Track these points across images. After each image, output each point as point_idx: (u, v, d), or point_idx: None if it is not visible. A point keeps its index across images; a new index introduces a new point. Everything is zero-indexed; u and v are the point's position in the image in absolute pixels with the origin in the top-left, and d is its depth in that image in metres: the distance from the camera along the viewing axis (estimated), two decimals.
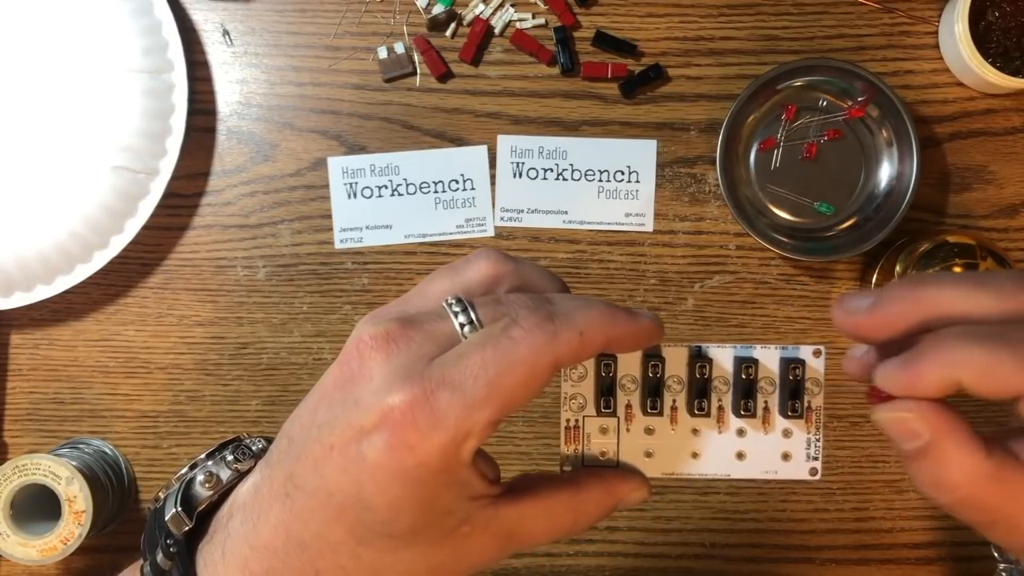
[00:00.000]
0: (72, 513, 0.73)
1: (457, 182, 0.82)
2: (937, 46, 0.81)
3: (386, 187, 0.82)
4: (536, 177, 0.81)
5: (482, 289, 0.44)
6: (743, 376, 0.48)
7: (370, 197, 0.82)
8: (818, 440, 0.50)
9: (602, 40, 0.81)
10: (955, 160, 0.82)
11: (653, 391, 0.49)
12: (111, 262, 0.79)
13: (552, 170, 0.81)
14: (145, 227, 0.79)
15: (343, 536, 0.42)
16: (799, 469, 0.49)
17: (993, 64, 0.77)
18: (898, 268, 0.77)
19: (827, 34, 0.82)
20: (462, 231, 0.82)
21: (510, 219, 0.82)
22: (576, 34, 0.82)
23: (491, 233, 0.82)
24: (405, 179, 0.82)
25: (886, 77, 0.80)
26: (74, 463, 0.74)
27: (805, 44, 0.82)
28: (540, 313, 0.41)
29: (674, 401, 0.49)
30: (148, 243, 0.81)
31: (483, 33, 0.81)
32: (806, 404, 0.49)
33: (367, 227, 0.82)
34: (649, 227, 0.82)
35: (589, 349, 0.41)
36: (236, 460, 0.47)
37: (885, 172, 0.80)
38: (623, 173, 0.81)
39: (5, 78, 0.79)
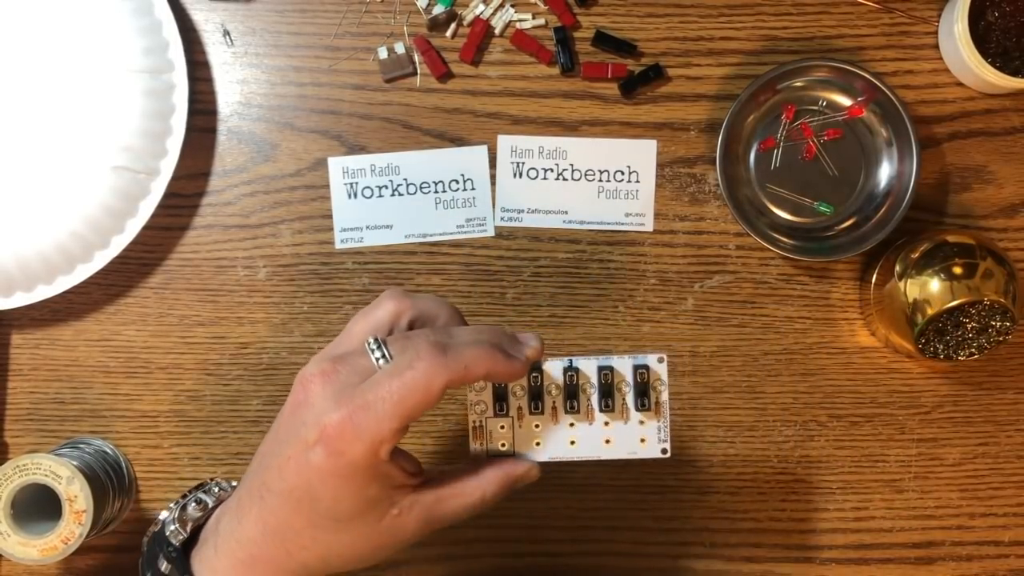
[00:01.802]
0: (73, 513, 0.73)
1: (457, 182, 0.82)
2: (937, 46, 0.82)
3: (386, 187, 0.82)
4: (536, 177, 0.82)
5: (389, 322, 0.59)
6: (603, 380, 0.62)
7: (370, 197, 0.82)
8: (665, 427, 0.62)
9: (602, 40, 0.81)
10: (955, 160, 0.82)
11: (536, 395, 0.62)
12: (112, 262, 0.79)
13: (552, 170, 0.81)
14: (146, 227, 0.79)
15: (303, 523, 0.56)
16: (653, 450, 0.62)
17: (993, 64, 0.77)
18: (897, 268, 0.77)
19: (827, 34, 0.82)
20: (462, 231, 0.82)
21: (510, 219, 0.82)
22: (576, 34, 0.82)
23: (491, 233, 0.82)
24: (405, 179, 0.82)
25: (886, 77, 0.80)
26: (75, 463, 0.74)
27: (805, 44, 0.82)
28: (436, 348, 0.54)
29: (554, 403, 0.62)
30: (149, 243, 0.81)
31: (483, 33, 0.81)
32: (654, 400, 0.62)
33: (367, 227, 0.82)
34: (649, 227, 0.82)
35: (472, 378, 0.56)
36: (221, 491, 0.62)
37: (885, 172, 0.80)
38: (623, 173, 0.82)
39: (6, 78, 0.79)
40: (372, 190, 0.82)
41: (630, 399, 0.62)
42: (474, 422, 0.62)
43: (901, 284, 0.76)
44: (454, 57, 0.82)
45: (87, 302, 0.82)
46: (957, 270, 0.75)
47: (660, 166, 0.82)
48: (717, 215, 0.82)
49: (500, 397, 0.62)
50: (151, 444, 0.82)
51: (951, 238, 0.77)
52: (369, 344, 0.56)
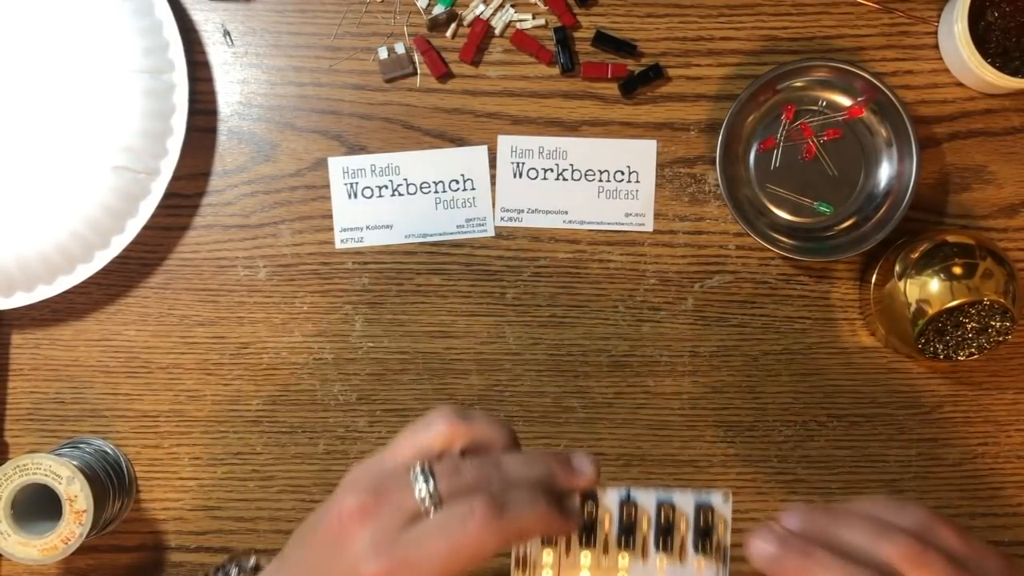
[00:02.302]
0: (73, 513, 0.73)
1: (457, 182, 0.82)
2: (937, 46, 0.82)
3: (386, 187, 0.82)
4: (536, 177, 0.82)
5: (440, 448, 0.54)
6: (662, 518, 0.58)
7: (371, 197, 0.82)
8: (725, 573, 0.58)
9: (602, 40, 0.81)
10: (954, 160, 0.82)
11: (588, 527, 0.58)
12: (112, 262, 0.79)
13: (552, 170, 0.81)
14: (146, 227, 0.79)
15: None
16: None
17: (992, 64, 0.77)
18: (897, 268, 0.77)
19: (827, 34, 0.82)
20: (462, 231, 0.82)
21: (510, 219, 0.82)
22: (576, 34, 0.82)
23: (491, 233, 0.82)
24: (405, 179, 0.82)
25: (886, 77, 0.80)
26: (75, 463, 0.75)
27: (805, 44, 0.82)
28: (492, 510, 0.50)
29: (606, 536, 0.58)
30: (149, 243, 0.81)
31: (483, 33, 0.81)
32: (714, 543, 0.58)
33: (368, 227, 0.82)
34: (649, 227, 0.82)
35: (525, 540, 0.54)
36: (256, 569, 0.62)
37: (885, 172, 0.80)
38: (623, 173, 0.82)
39: (6, 79, 0.79)
40: (372, 190, 0.82)
41: (689, 539, 0.58)
42: (519, 552, 0.57)
43: (901, 284, 0.76)
44: (454, 57, 0.82)
45: (87, 302, 0.82)
46: (957, 270, 0.75)
47: (660, 166, 0.82)
48: (717, 215, 0.82)
49: None
50: (151, 444, 0.82)
51: (951, 238, 0.77)
52: (415, 474, 0.52)
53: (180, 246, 0.82)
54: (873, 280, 0.80)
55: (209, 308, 0.82)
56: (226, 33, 0.82)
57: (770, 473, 0.82)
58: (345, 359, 0.82)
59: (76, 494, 0.73)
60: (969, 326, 0.75)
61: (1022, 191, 0.82)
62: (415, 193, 0.82)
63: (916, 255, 0.76)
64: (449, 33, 0.82)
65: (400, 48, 0.81)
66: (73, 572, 0.82)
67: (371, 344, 0.82)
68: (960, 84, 0.81)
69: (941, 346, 0.76)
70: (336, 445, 0.82)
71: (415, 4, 0.82)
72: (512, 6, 0.81)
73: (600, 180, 0.82)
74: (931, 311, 0.74)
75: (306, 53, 0.82)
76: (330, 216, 0.82)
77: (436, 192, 0.82)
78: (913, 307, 0.75)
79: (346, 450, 0.82)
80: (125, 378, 0.82)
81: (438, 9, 0.81)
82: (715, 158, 0.79)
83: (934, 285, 0.75)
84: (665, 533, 0.58)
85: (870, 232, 0.79)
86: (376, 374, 0.82)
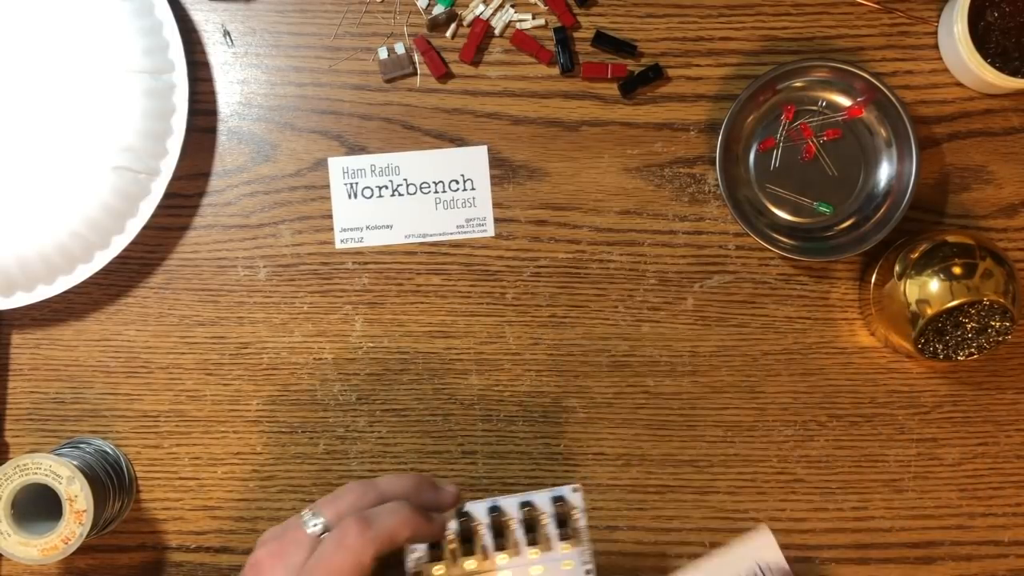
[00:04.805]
0: (73, 512, 0.73)
1: (457, 182, 0.82)
2: (936, 46, 0.82)
3: (386, 187, 0.82)
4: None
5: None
6: (526, 516, 0.66)
7: (370, 197, 0.82)
8: (589, 551, 0.66)
9: (602, 40, 0.81)
10: (954, 160, 0.82)
11: (467, 538, 0.65)
12: (112, 262, 0.79)
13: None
14: (146, 227, 0.79)
15: None
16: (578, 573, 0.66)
17: (992, 64, 0.77)
18: (897, 268, 0.77)
19: (827, 34, 0.82)
20: (462, 231, 0.82)
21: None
22: (576, 34, 0.82)
23: (491, 233, 0.82)
24: (405, 179, 0.82)
25: (885, 77, 0.80)
26: (75, 463, 0.75)
27: (805, 44, 0.82)
28: (360, 524, 0.61)
29: (483, 543, 0.66)
30: (149, 243, 0.81)
31: (483, 33, 0.81)
32: (571, 528, 0.66)
33: (367, 227, 0.82)
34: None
35: (398, 544, 0.62)
36: None
37: (884, 172, 0.80)
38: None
39: (6, 79, 0.79)
40: (372, 190, 0.82)
41: (552, 530, 0.66)
42: (411, 571, 0.65)
43: (901, 284, 0.76)
44: (454, 57, 0.82)
45: (87, 302, 0.82)
46: (956, 270, 0.75)
47: (660, 166, 0.82)
48: (717, 215, 0.82)
49: (435, 544, 0.65)
50: (151, 444, 0.82)
51: (950, 238, 0.77)
52: (305, 515, 0.63)
53: (180, 246, 0.82)
54: (873, 280, 0.80)
55: (209, 308, 0.82)
56: (226, 33, 0.82)
57: (770, 473, 0.82)
58: (345, 359, 0.82)
59: (76, 494, 0.73)
60: (969, 326, 0.75)
61: (1022, 191, 0.82)
62: (415, 193, 0.82)
63: (916, 255, 0.76)
64: (449, 33, 0.82)
65: (400, 48, 0.81)
66: (73, 572, 0.82)
67: (371, 344, 0.82)
68: (960, 84, 0.81)
69: (941, 346, 0.76)
70: (336, 445, 0.82)
71: (415, 4, 0.82)
72: (512, 6, 0.81)
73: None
74: (931, 311, 0.74)
75: (306, 53, 0.82)
76: (330, 216, 0.82)
77: (436, 192, 0.82)
78: (913, 307, 0.75)
79: (346, 450, 0.82)
80: (125, 378, 0.82)
81: (438, 9, 0.81)
82: (715, 158, 0.79)
83: (934, 285, 0.75)
84: (530, 529, 0.66)
85: (870, 232, 0.79)
86: (376, 374, 0.82)
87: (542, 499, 0.66)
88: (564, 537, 0.66)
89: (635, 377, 0.82)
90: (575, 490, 0.66)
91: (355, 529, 0.61)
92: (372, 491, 0.64)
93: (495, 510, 0.66)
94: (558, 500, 0.66)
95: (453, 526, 0.65)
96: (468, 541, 0.65)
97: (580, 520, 0.66)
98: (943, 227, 0.82)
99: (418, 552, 0.65)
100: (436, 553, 0.65)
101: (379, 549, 0.61)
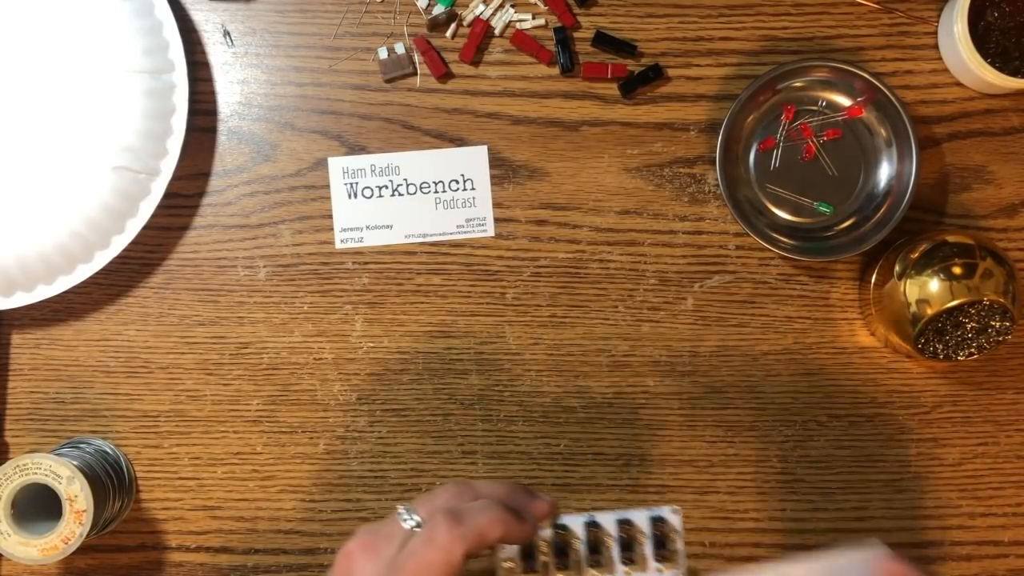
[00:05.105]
0: (73, 512, 0.73)
1: (457, 182, 0.82)
2: (936, 46, 0.82)
3: (386, 187, 0.82)
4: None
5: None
6: (623, 535, 0.65)
7: (370, 197, 0.82)
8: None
9: (602, 40, 0.81)
10: (954, 160, 0.82)
11: (562, 551, 0.65)
12: (112, 262, 0.79)
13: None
14: (146, 227, 0.79)
15: None
16: None
17: (992, 64, 0.77)
18: (897, 268, 0.77)
19: (827, 34, 0.82)
20: (462, 231, 0.82)
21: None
22: (576, 34, 0.82)
23: (491, 233, 0.82)
24: (405, 179, 0.82)
25: (885, 77, 0.80)
26: (75, 463, 0.75)
27: (805, 44, 0.82)
28: (452, 520, 0.60)
29: (578, 558, 0.65)
30: (149, 243, 0.81)
31: (483, 33, 0.81)
32: (670, 549, 0.65)
33: (367, 227, 0.82)
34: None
35: (488, 543, 0.60)
36: None
37: (884, 172, 0.80)
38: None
39: (6, 79, 0.79)
40: (372, 190, 0.82)
41: (649, 550, 0.65)
42: None
43: (901, 284, 0.76)
44: (454, 57, 0.82)
45: (87, 302, 0.82)
46: (956, 270, 0.75)
47: (660, 166, 0.82)
48: (717, 215, 0.82)
49: (528, 555, 0.65)
50: (151, 444, 0.82)
51: (950, 238, 0.77)
52: (400, 511, 0.63)
53: (180, 246, 0.82)
54: (873, 280, 0.80)
55: (209, 308, 0.82)
56: (226, 33, 0.82)
57: (770, 473, 0.82)
58: (345, 359, 0.82)
59: (76, 494, 0.73)
60: (969, 326, 0.75)
61: (1022, 191, 0.82)
62: (415, 193, 0.82)
63: (916, 255, 0.76)
64: (449, 33, 0.82)
65: (400, 48, 0.81)
66: (73, 572, 0.82)
67: (371, 344, 0.82)
68: (960, 84, 0.81)
69: (941, 346, 0.76)
70: (336, 445, 0.82)
71: (415, 4, 0.82)
72: (512, 6, 0.81)
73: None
74: (931, 311, 0.74)
75: (306, 53, 0.82)
76: (330, 216, 0.82)
77: (436, 192, 0.82)
78: (913, 307, 0.75)
79: (346, 450, 0.82)
80: (125, 378, 0.82)
81: (438, 9, 0.81)
82: (715, 158, 0.79)
83: (934, 285, 0.75)
84: (627, 548, 0.65)
85: (870, 232, 0.79)
86: (376, 374, 0.82)
87: (640, 517, 0.65)
88: (660, 559, 0.65)
89: (635, 377, 0.82)
90: (675, 512, 0.65)
91: (446, 525, 0.60)
92: (468, 491, 0.64)
93: (593, 525, 0.65)
94: (657, 520, 0.65)
95: (547, 535, 0.65)
96: (563, 554, 0.65)
97: (678, 543, 0.65)
98: (943, 227, 0.82)
99: (509, 562, 0.65)
100: (529, 565, 0.65)
101: (469, 546, 0.60)
